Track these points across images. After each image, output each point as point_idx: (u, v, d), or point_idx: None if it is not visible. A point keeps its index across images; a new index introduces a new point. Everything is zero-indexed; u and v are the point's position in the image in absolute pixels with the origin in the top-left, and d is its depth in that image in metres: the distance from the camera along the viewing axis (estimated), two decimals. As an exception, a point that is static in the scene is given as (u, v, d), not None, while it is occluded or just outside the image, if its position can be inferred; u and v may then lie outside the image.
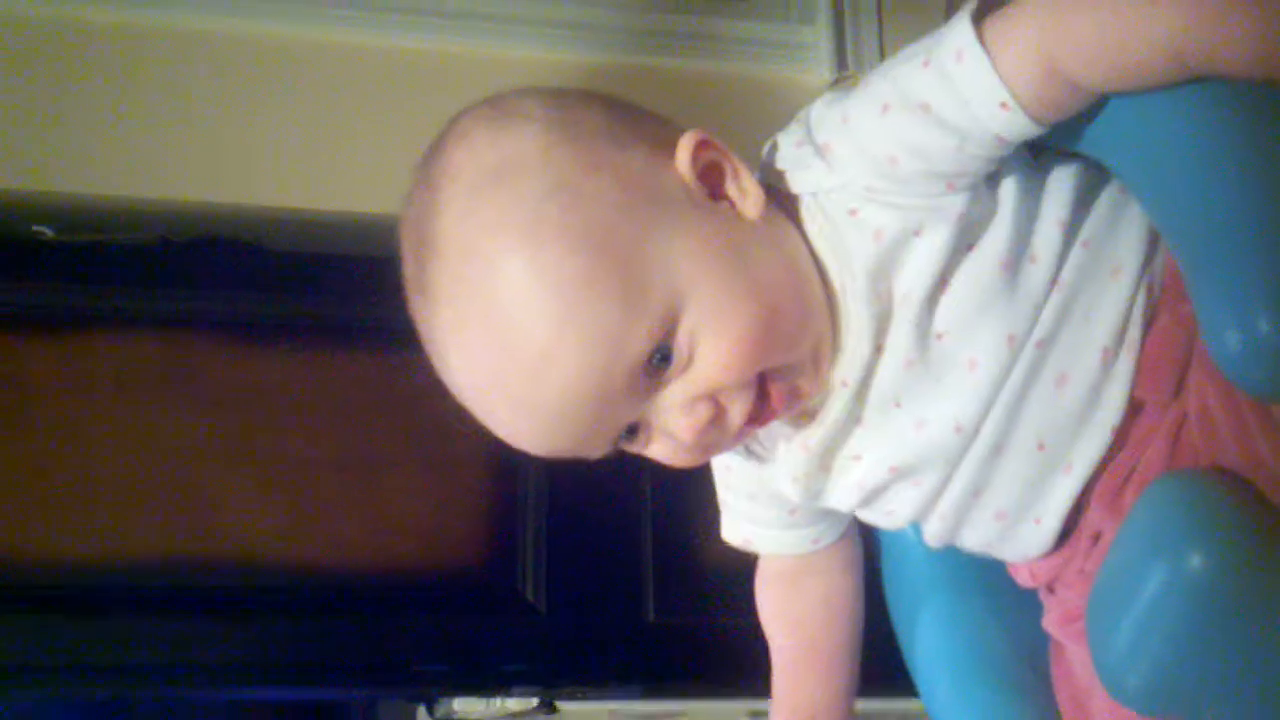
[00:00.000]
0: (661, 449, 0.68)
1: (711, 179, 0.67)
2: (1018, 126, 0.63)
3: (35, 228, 1.41)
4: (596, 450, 0.68)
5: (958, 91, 0.62)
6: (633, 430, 0.67)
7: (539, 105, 0.66)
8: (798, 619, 0.84)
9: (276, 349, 1.46)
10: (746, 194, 0.67)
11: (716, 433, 0.66)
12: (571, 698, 1.52)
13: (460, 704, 1.53)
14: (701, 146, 0.67)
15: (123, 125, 1.42)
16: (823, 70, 1.59)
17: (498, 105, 0.67)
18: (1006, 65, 0.61)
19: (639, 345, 0.63)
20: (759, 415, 0.67)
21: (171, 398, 1.41)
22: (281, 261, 1.47)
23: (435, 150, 0.67)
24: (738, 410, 0.66)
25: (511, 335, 0.63)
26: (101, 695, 1.48)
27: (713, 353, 0.64)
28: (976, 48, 0.62)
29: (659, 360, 0.64)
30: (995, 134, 0.63)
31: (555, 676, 1.47)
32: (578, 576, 1.47)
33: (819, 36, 1.60)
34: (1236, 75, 0.59)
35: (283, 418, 1.44)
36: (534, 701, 1.51)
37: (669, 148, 0.66)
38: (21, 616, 1.34)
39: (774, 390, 0.66)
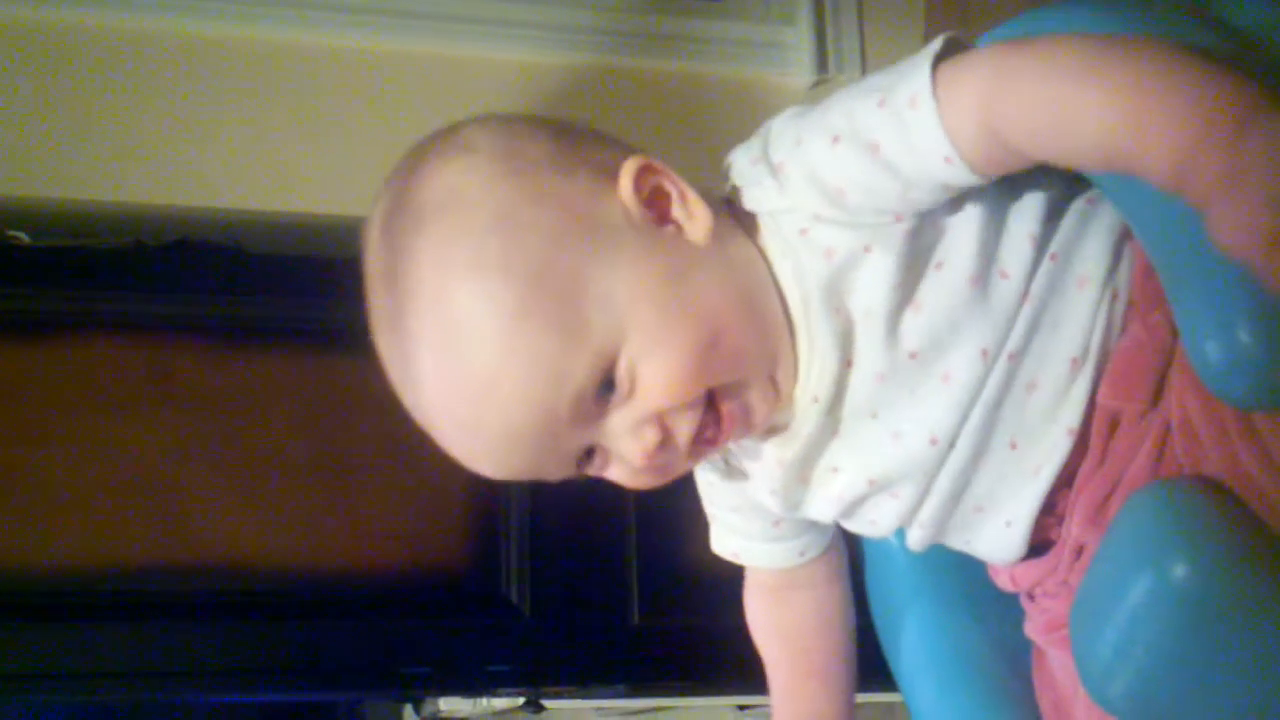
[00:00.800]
0: (617, 472, 0.69)
1: (658, 204, 0.68)
2: (961, 178, 0.63)
3: (10, 233, 1.40)
4: (554, 473, 0.69)
5: (907, 138, 0.63)
6: (590, 454, 0.68)
7: (485, 136, 0.68)
8: (790, 630, 0.84)
9: (255, 352, 1.45)
10: (694, 217, 0.67)
11: (667, 455, 0.67)
12: (557, 697, 1.52)
13: (446, 704, 1.53)
14: (644, 172, 0.67)
15: (98, 129, 1.42)
16: (803, 71, 1.59)
17: (448, 139, 0.69)
18: (952, 121, 0.62)
19: (580, 376, 0.64)
20: (713, 436, 0.68)
21: (149, 401, 1.41)
22: (258, 264, 1.46)
23: (391, 185, 0.69)
24: (684, 431, 0.66)
25: (458, 365, 0.65)
26: (84, 701, 1.47)
27: (653, 378, 0.65)
28: (929, 98, 0.62)
29: (603, 389, 0.65)
30: (940, 182, 0.64)
31: (540, 677, 1.47)
32: (562, 578, 1.47)
33: (799, 37, 1.60)
34: (1155, 183, 0.58)
35: (262, 421, 1.43)
36: (520, 701, 1.51)
37: (613, 174, 0.67)
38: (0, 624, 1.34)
39: (725, 409, 0.67)
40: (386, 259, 0.67)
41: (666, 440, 0.66)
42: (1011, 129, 0.61)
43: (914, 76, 0.63)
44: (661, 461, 0.68)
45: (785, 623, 0.84)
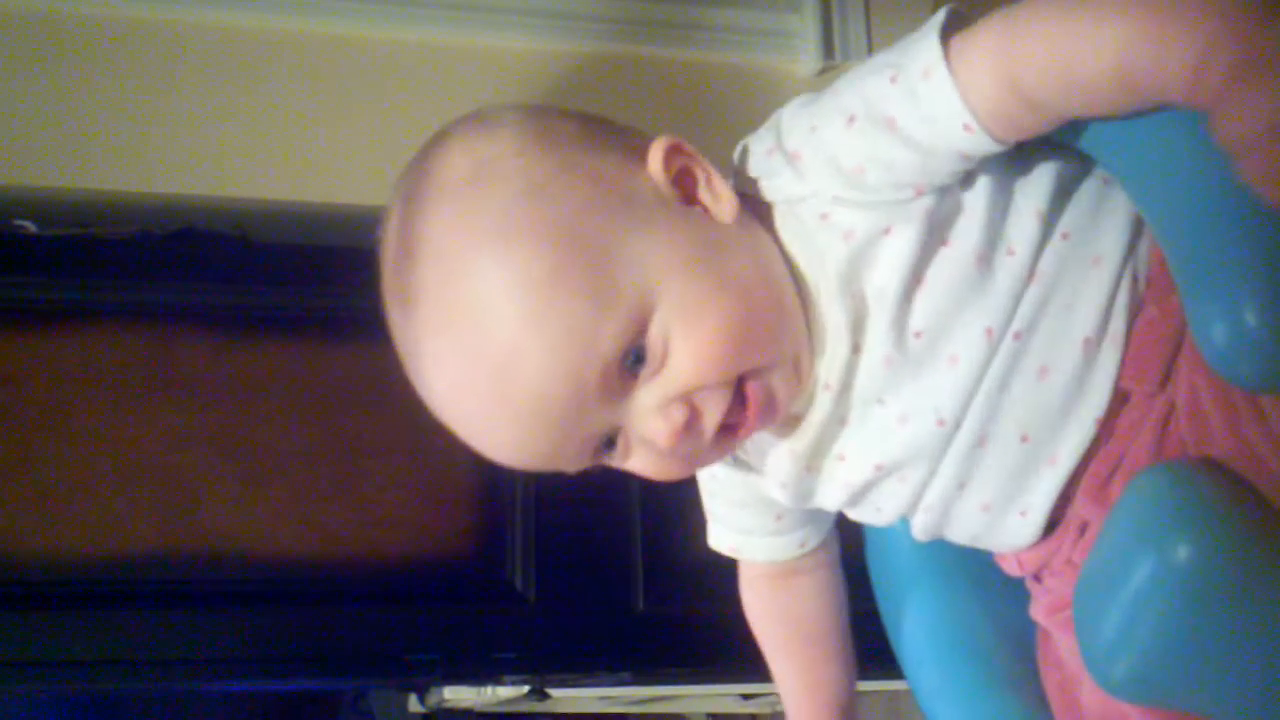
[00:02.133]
0: (641, 460, 0.68)
1: (684, 184, 0.67)
2: (981, 146, 0.63)
3: (17, 222, 1.40)
4: (574, 460, 0.67)
5: (924, 110, 0.62)
6: (611, 442, 0.67)
7: (515, 114, 0.67)
8: (794, 614, 0.85)
9: (261, 341, 1.45)
10: (720, 199, 0.67)
11: (693, 439, 0.66)
12: (562, 685, 1.52)
13: (451, 692, 1.54)
14: (673, 152, 0.67)
15: (104, 118, 1.41)
16: (810, 58, 1.59)
17: (475, 117, 0.68)
18: (968, 86, 0.61)
19: (609, 343, 0.62)
20: (738, 423, 0.66)
21: (156, 391, 1.41)
22: (265, 253, 1.46)
23: (415, 162, 0.68)
24: (713, 414, 0.65)
25: (482, 335, 0.63)
26: (89, 690, 1.48)
27: (687, 350, 0.64)
28: (942, 67, 0.62)
29: (632, 361, 0.63)
30: (960, 151, 0.63)
31: (545, 665, 1.47)
32: (567, 565, 1.47)
33: (806, 24, 1.60)
34: (1175, 100, 0.58)
35: (269, 410, 1.43)
36: (525, 689, 1.51)
37: (641, 154, 0.67)
38: (4, 612, 1.34)
39: (751, 395, 0.66)
40: (406, 233, 0.65)
41: (694, 422, 0.65)
42: (1031, 76, 0.60)
43: (923, 48, 0.63)
44: (687, 447, 0.66)
45: (789, 607, 0.85)
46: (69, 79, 1.41)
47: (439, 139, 0.68)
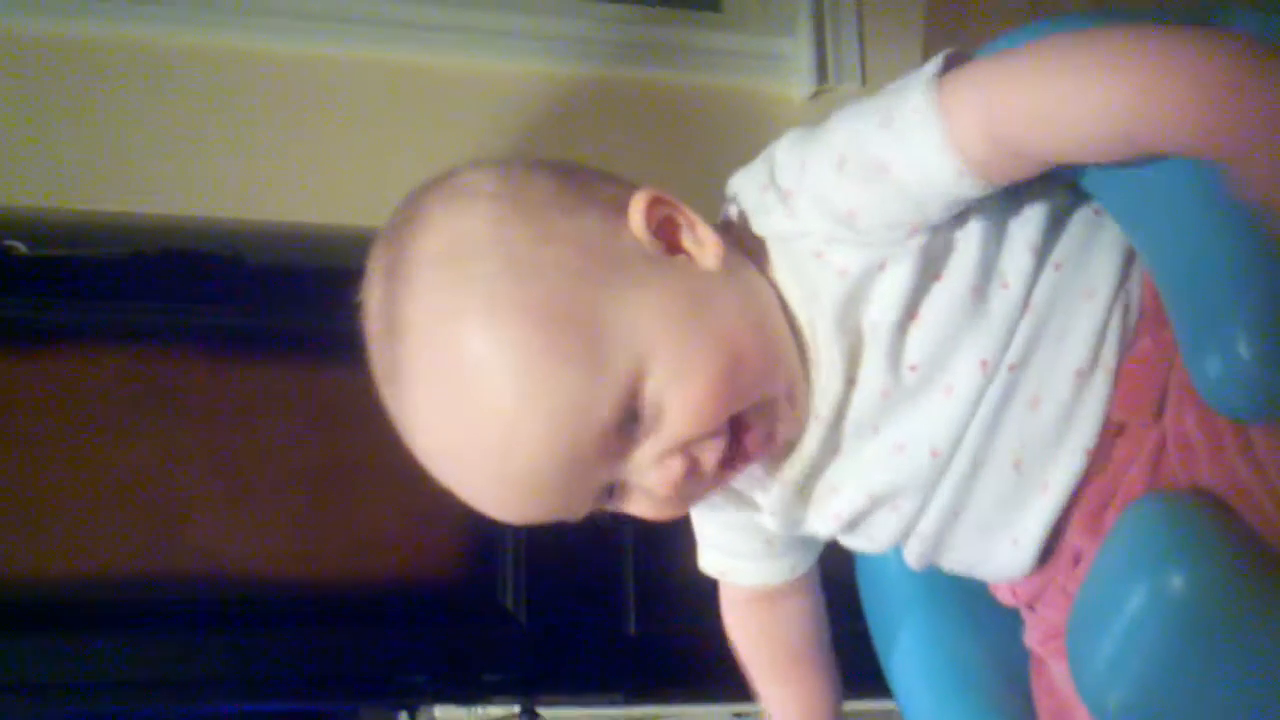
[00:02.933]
0: (640, 505, 0.68)
1: (667, 234, 0.67)
2: (973, 190, 0.64)
3: (8, 242, 1.40)
4: (575, 512, 0.68)
5: (915, 157, 0.63)
6: (610, 490, 0.67)
7: (486, 179, 0.67)
8: (780, 636, 0.85)
9: (253, 362, 1.45)
10: (704, 245, 0.67)
11: (693, 484, 0.67)
12: (553, 706, 1.51)
13: (442, 713, 1.53)
14: (654, 204, 0.67)
15: (96, 139, 1.42)
16: (803, 81, 1.59)
17: (447, 185, 0.67)
18: (959, 136, 0.62)
19: (605, 410, 0.63)
20: (735, 460, 0.67)
21: (147, 411, 1.40)
22: (256, 274, 1.46)
23: (391, 234, 0.67)
24: (711, 459, 0.66)
25: (477, 414, 0.63)
26: (78, 713, 1.47)
27: (679, 407, 0.64)
28: (933, 114, 0.62)
29: (628, 422, 0.64)
30: (952, 196, 0.64)
31: (536, 686, 1.47)
32: (558, 586, 1.47)
33: (799, 49, 1.61)
34: (1176, 150, 0.59)
35: (259, 430, 1.43)
36: (516, 710, 1.51)
37: (621, 209, 0.66)
38: (-4, 634, 1.33)
39: (748, 434, 0.66)
40: (389, 312, 0.66)
41: (692, 469, 0.66)
42: (1020, 135, 0.61)
43: (915, 95, 0.63)
44: (687, 491, 0.67)
45: (774, 629, 0.85)
46: (61, 100, 1.42)
47: (413, 210, 0.67)
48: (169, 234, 1.44)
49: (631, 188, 0.68)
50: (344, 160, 1.44)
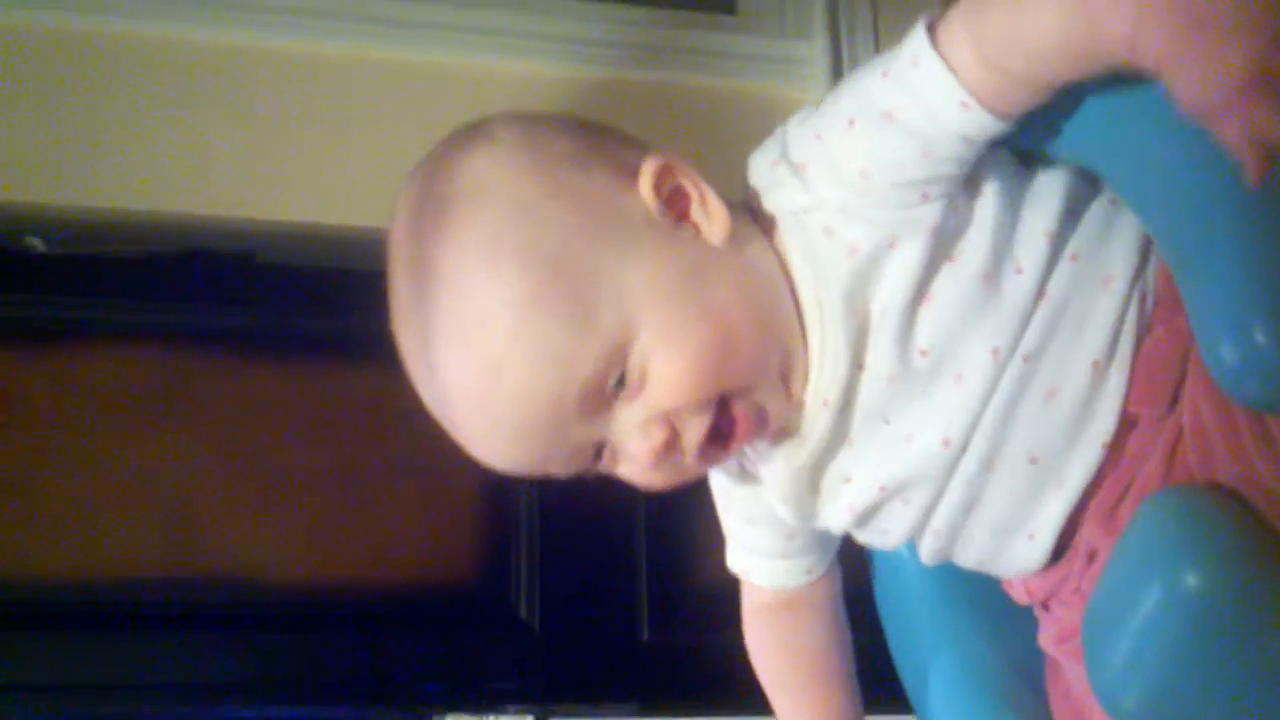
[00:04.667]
0: (626, 469, 0.69)
1: (677, 204, 0.68)
2: (980, 124, 0.63)
3: (26, 240, 1.41)
4: (562, 468, 0.69)
5: (918, 96, 0.63)
6: (600, 450, 0.68)
7: (509, 130, 0.69)
8: (798, 647, 0.84)
9: (268, 363, 1.45)
10: (712, 218, 0.67)
11: (674, 456, 0.67)
12: (566, 715, 1.51)
13: (454, 721, 1.53)
14: (665, 172, 0.67)
15: (113, 137, 1.42)
16: (819, 85, 1.59)
17: (473, 130, 0.70)
18: (957, 64, 0.62)
19: (588, 367, 0.64)
20: (726, 439, 0.67)
21: (161, 411, 1.41)
22: (270, 274, 1.46)
23: (416, 173, 0.70)
24: (693, 433, 0.66)
25: (471, 349, 0.65)
26: (91, 715, 1.47)
27: (664, 375, 0.65)
28: (930, 51, 0.62)
29: (614, 383, 0.65)
30: (960, 134, 0.63)
31: (549, 695, 1.46)
32: (572, 594, 1.46)
33: (814, 52, 1.61)
34: (1119, 61, 0.58)
35: (274, 432, 1.43)
36: (528, 718, 1.50)
37: (634, 173, 0.67)
38: (9, 635, 1.33)
39: (739, 413, 0.67)
40: (411, 246, 0.68)
41: (674, 441, 0.66)
42: (999, 52, 0.61)
43: (911, 40, 0.64)
44: (668, 463, 0.67)
45: (792, 639, 0.84)
46: (78, 98, 1.42)
47: (441, 151, 0.70)
48: (184, 233, 1.44)
49: (649, 152, 0.69)
50: (360, 160, 1.45)
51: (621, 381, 0.65)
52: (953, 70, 0.62)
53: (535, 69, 1.53)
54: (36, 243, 1.40)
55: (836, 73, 1.59)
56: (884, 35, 1.62)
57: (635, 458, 0.67)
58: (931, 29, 0.63)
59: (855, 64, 1.60)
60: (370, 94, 1.49)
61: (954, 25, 0.62)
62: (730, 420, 0.67)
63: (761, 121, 1.55)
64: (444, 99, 1.49)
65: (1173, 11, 0.53)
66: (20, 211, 1.40)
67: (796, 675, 0.85)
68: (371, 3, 1.51)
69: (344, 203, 1.44)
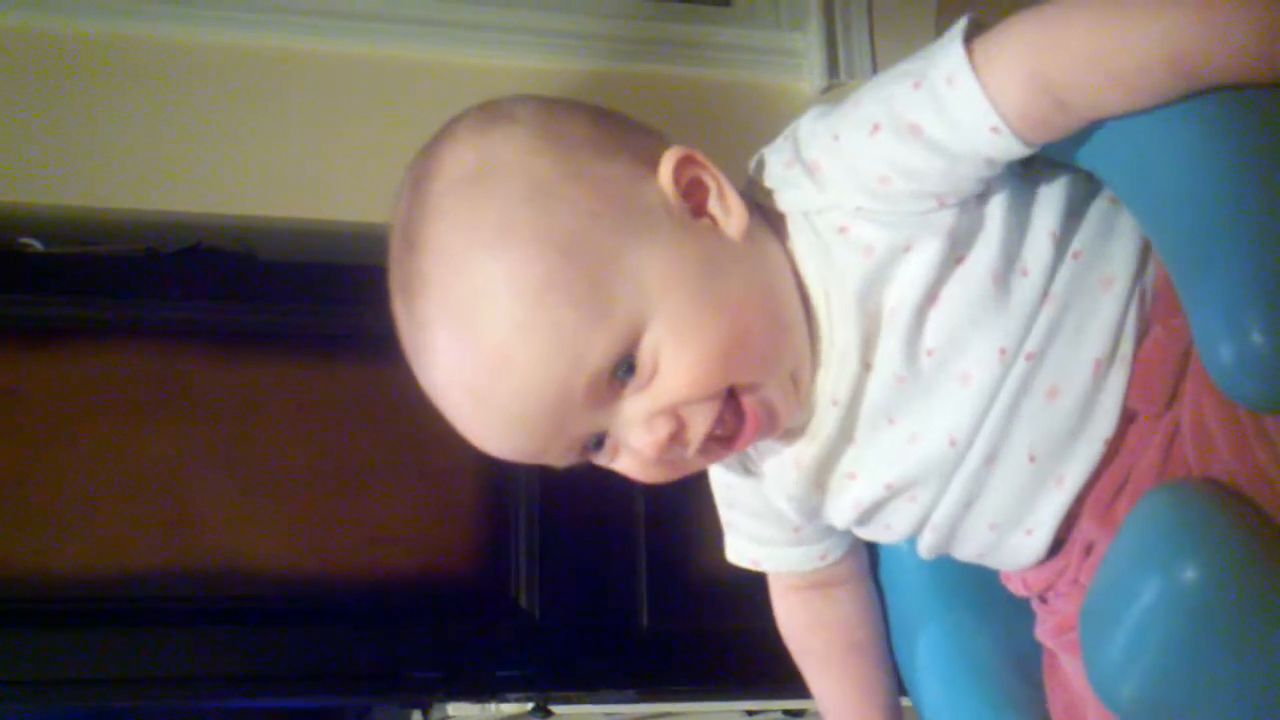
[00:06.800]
0: (626, 462, 0.68)
1: (695, 196, 0.67)
2: (1008, 149, 0.63)
3: (23, 239, 1.41)
4: (560, 458, 0.67)
5: (949, 115, 0.62)
6: (599, 443, 0.67)
7: (527, 111, 0.67)
8: (831, 622, 0.83)
9: (265, 358, 1.45)
10: (730, 212, 0.67)
11: (678, 450, 0.66)
12: (566, 702, 1.51)
13: (455, 709, 1.53)
14: (685, 163, 0.66)
15: (109, 136, 1.42)
16: (814, 76, 1.59)
17: (489, 109, 0.68)
18: (995, 88, 0.62)
19: (599, 355, 0.63)
20: (734, 433, 0.66)
21: (161, 408, 1.41)
22: (270, 271, 1.46)
23: (425, 151, 0.68)
24: (699, 427, 0.65)
25: (475, 334, 0.63)
26: (90, 708, 1.48)
27: (674, 367, 0.64)
28: (967, 71, 0.62)
29: (623, 372, 0.64)
30: (986, 156, 0.63)
31: (549, 682, 1.47)
32: (571, 582, 1.47)
33: (810, 43, 1.61)
34: (1237, 78, 0.58)
35: (273, 427, 1.43)
36: (529, 706, 1.51)
37: (653, 162, 0.66)
38: (7, 630, 1.34)
39: (748, 408, 0.66)
40: (412, 222, 0.66)
41: (679, 434, 0.65)
42: (1066, 74, 0.60)
43: (947, 54, 0.63)
44: (672, 457, 0.66)
45: (824, 615, 0.84)
46: (74, 97, 1.42)
47: (451, 128, 0.68)
48: (183, 231, 1.44)
49: (668, 142, 0.68)
50: (359, 157, 1.45)
51: (629, 371, 0.64)
52: (990, 94, 0.61)
53: (533, 63, 1.53)
54: (34, 243, 1.40)
55: (832, 64, 1.59)
56: (878, 27, 1.62)
57: (639, 451, 0.66)
58: (967, 41, 0.62)
59: (850, 55, 1.60)
60: (370, 90, 1.49)
61: (1003, 48, 0.62)
62: (739, 416, 0.66)
63: (758, 112, 1.57)
64: (443, 94, 1.49)
65: None
66: (17, 211, 1.40)
67: (830, 650, 0.84)
68: (369, 1, 1.51)
69: (344, 199, 1.44)
